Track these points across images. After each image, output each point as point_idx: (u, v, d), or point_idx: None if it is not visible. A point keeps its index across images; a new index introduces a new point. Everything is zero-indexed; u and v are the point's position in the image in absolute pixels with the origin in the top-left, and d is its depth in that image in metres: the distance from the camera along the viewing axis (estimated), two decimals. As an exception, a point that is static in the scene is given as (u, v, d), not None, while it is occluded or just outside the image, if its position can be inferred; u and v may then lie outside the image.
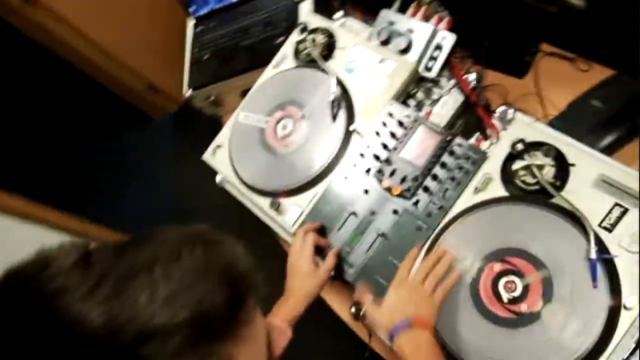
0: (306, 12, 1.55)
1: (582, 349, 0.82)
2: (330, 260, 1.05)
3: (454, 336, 0.91)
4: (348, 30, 1.35)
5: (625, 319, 0.82)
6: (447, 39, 1.17)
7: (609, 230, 0.88)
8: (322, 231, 1.11)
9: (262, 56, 1.48)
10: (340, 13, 1.39)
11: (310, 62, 1.28)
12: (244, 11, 1.67)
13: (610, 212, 0.88)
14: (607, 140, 1.14)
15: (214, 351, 0.50)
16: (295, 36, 1.31)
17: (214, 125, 1.64)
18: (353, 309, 1.02)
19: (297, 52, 1.32)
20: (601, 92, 1.20)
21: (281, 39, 1.52)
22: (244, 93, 1.56)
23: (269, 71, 1.35)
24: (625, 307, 0.82)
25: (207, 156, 1.34)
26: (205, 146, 1.37)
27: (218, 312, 0.50)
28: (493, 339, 0.88)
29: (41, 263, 0.48)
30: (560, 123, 1.20)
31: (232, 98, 1.61)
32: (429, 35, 1.20)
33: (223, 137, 1.33)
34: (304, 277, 1.03)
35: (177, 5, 1.83)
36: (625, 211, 0.88)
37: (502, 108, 1.09)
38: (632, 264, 0.84)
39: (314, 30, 1.27)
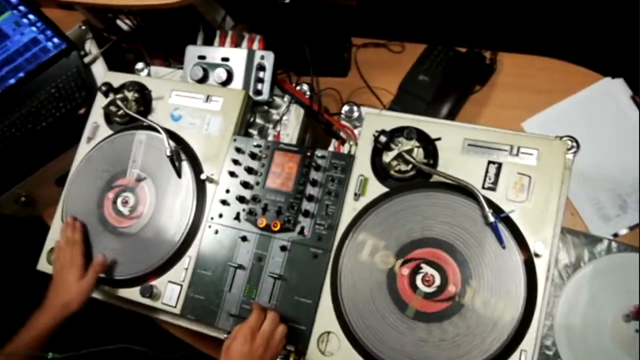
0: (101, 73, 1.39)
1: (516, 314, 0.80)
2: (93, 268, 1.01)
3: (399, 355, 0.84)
4: (157, 77, 1.22)
5: (540, 266, 0.82)
6: (268, 57, 1.11)
7: (493, 189, 0.88)
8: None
9: (68, 133, 1.30)
10: (141, 64, 1.25)
11: (129, 123, 1.13)
12: (26, 93, 1.43)
13: (487, 171, 0.89)
14: (447, 107, 1.17)
15: None
16: (100, 101, 1.14)
17: (39, 227, 1.39)
18: None
19: (109, 117, 1.15)
20: (423, 66, 1.23)
21: (83, 109, 1.34)
22: (61, 179, 1.34)
23: (83, 148, 1.15)
24: (536, 255, 0.82)
25: (42, 265, 1.10)
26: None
27: None
28: (430, 336, 0.83)
29: None
30: (398, 106, 1.21)
31: (48, 189, 1.37)
32: (246, 59, 1.12)
33: (55, 236, 1.11)
34: (68, 287, 0.99)
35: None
36: (499, 166, 0.88)
37: (345, 107, 1.06)
38: (524, 212, 0.85)
39: (120, 89, 1.11)
